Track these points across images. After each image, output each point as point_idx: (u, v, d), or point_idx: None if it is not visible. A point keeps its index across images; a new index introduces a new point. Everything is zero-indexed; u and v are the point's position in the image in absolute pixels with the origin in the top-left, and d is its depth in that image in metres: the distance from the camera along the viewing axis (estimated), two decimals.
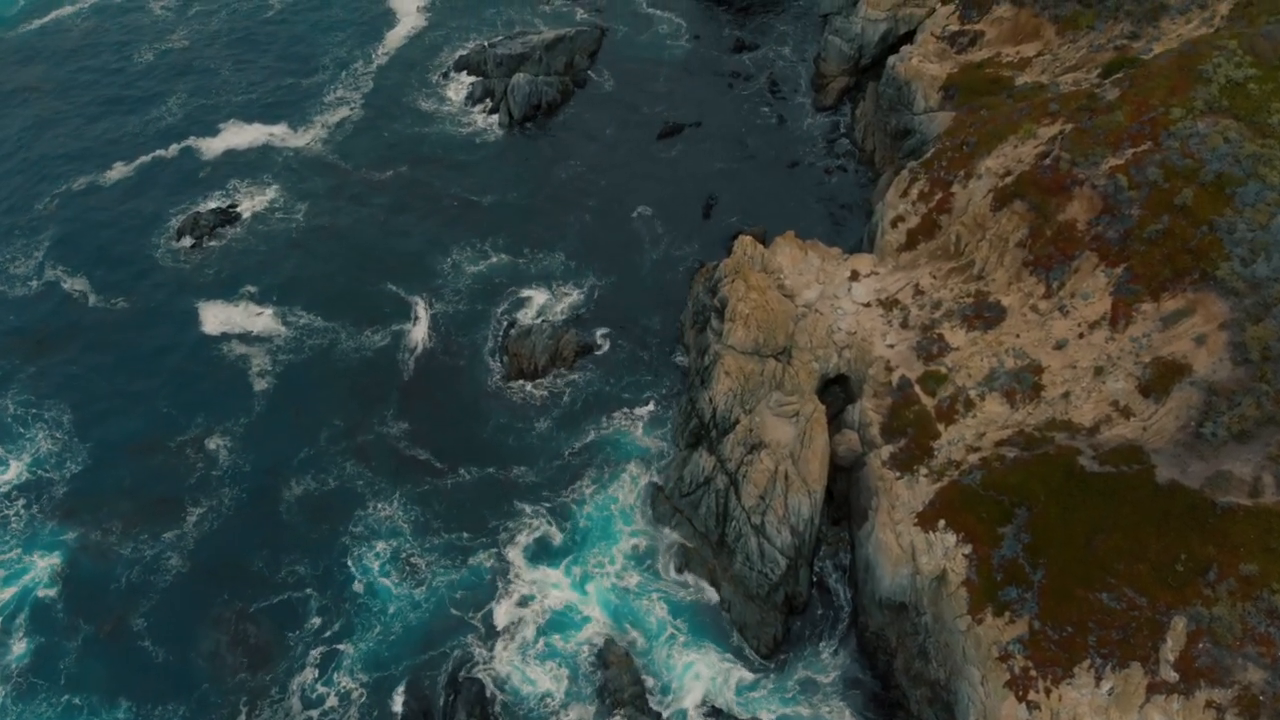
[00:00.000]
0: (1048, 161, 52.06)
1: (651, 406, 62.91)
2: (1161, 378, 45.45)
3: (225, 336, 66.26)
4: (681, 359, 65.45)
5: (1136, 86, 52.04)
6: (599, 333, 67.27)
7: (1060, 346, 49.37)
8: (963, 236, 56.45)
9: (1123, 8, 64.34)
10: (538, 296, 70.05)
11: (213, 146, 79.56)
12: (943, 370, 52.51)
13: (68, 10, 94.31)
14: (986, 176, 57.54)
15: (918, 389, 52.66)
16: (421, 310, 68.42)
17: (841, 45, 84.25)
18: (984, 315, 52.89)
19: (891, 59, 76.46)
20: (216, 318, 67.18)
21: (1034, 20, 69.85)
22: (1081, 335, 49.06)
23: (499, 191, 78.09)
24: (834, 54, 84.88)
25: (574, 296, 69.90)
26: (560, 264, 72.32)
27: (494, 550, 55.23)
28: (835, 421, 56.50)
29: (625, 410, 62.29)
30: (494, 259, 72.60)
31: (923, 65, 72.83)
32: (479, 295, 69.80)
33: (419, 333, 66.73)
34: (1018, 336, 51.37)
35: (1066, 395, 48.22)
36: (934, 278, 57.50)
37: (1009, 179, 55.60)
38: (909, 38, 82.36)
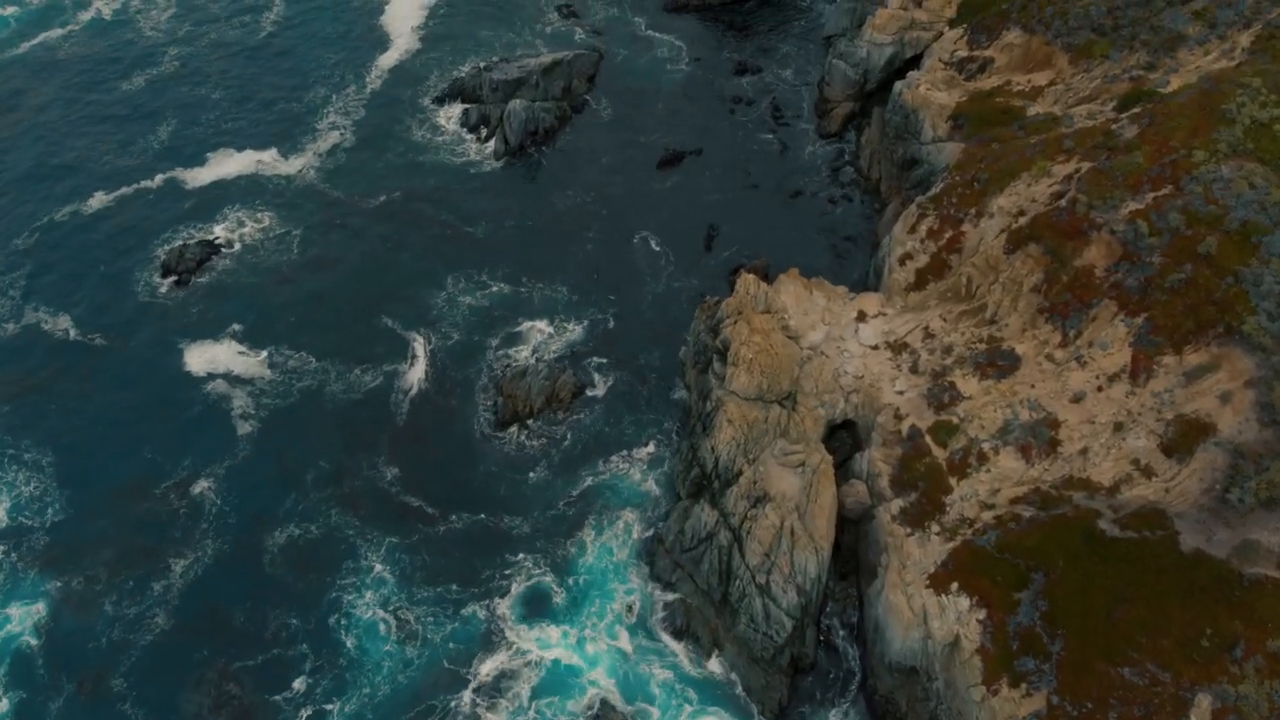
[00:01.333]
0: (1063, 203, 50.38)
1: (651, 448, 61.25)
2: (1184, 437, 43.76)
3: (210, 377, 64.51)
4: (681, 394, 63.85)
5: (1156, 125, 50.37)
6: (597, 370, 65.65)
7: (1078, 399, 47.65)
8: (974, 279, 54.77)
9: (1138, 37, 62.72)
10: (535, 330, 68.43)
11: (200, 175, 77.79)
12: (954, 420, 50.79)
13: (58, 31, 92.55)
14: (999, 215, 55.90)
15: (929, 440, 50.94)
16: (419, 348, 66.70)
17: (846, 69, 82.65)
18: (997, 363, 51.17)
19: (898, 85, 74.85)
20: (202, 357, 65.41)
21: (1046, 48, 68.21)
22: (1100, 388, 47.35)
23: (495, 221, 76.43)
24: (838, 78, 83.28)
25: (572, 330, 68.29)
26: (558, 296, 70.69)
27: (487, 604, 53.50)
28: (842, 469, 54.82)
29: (623, 452, 60.61)
30: (491, 291, 70.93)
31: (930, 93, 71.21)
32: (475, 328, 68.13)
33: (414, 373, 65.03)
34: (1033, 387, 49.66)
35: (1084, 452, 46.50)
36: (944, 320, 55.79)
37: (1022, 220, 53.98)
38: (915, 62, 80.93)
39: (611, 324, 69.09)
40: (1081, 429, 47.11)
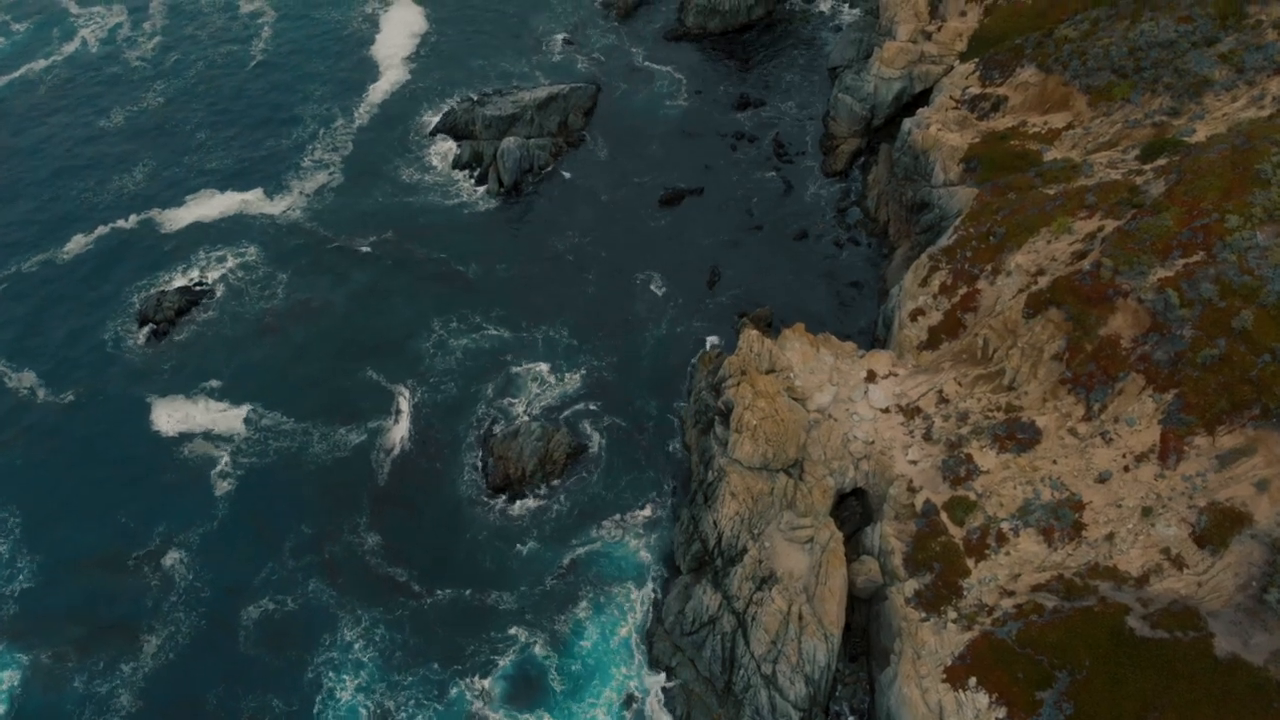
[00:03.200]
0: (1087, 266, 47.84)
1: (648, 511, 58.78)
2: (1218, 526, 41.11)
3: (187, 436, 62.02)
4: (678, 446, 61.42)
5: (1185, 184, 47.86)
6: (593, 424, 63.22)
7: (1103, 480, 45.02)
8: (991, 341, 52.21)
9: (1161, 80, 60.27)
10: (530, 378, 66.13)
11: (181, 216, 75.39)
12: (971, 497, 48.17)
13: (40, 64, 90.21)
14: (1016, 274, 53.40)
15: (944, 517, 48.32)
16: (403, 403, 64.23)
17: (852, 104, 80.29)
18: (1016, 436, 48.57)
19: (907, 123, 72.43)
20: (178, 415, 62.91)
21: (1063, 89, 65.76)
22: (1127, 468, 44.73)
23: (489, 263, 74.06)
24: (844, 113, 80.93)
25: (569, 379, 65.96)
26: (555, 341, 68.40)
27: (473, 688, 50.79)
28: (852, 540, 52.28)
29: (617, 517, 58.13)
30: (484, 337, 68.58)
31: (942, 134, 68.77)
32: (466, 378, 65.73)
33: (398, 430, 62.52)
34: (1054, 463, 47.04)
35: (1111, 537, 43.86)
36: (959, 384, 53.22)
37: (1042, 280, 51.45)
38: (925, 96, 78.58)
39: (609, 371, 66.72)
40: (1107, 512, 44.48)
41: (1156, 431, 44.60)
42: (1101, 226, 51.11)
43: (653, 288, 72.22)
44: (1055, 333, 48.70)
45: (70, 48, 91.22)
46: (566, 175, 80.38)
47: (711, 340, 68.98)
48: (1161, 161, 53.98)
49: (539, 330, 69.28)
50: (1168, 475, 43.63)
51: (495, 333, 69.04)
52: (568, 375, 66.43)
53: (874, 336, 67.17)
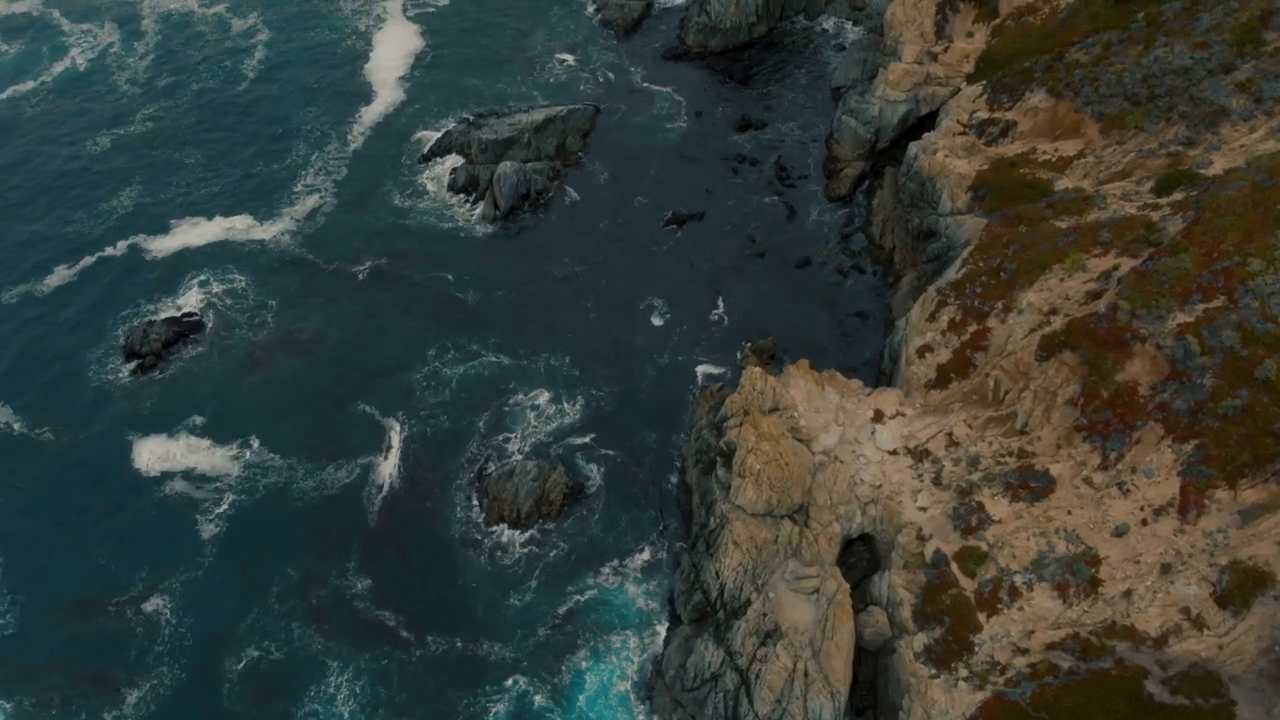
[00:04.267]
0: (1103, 309, 46.35)
1: (647, 554, 57.37)
2: (1240, 587, 39.60)
3: (169, 475, 60.53)
4: (678, 483, 60.03)
5: (1204, 223, 46.39)
6: (591, 460, 61.81)
7: (1120, 534, 43.49)
8: (1002, 383, 50.72)
9: (1176, 108, 58.81)
10: (528, 411, 64.70)
11: (168, 243, 73.78)
12: (983, 547, 46.64)
13: (29, 85, 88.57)
14: (1029, 312, 51.94)
15: (955, 568, 46.76)
16: (395, 437, 62.80)
17: (856, 127, 78.86)
18: (1029, 484, 47.05)
19: (913, 148, 70.99)
20: (159, 453, 61.39)
21: (1074, 115, 64.32)
22: (1145, 522, 43.20)
23: (485, 289, 72.64)
24: (848, 136, 79.48)
25: (567, 411, 64.66)
26: (553, 371, 67.05)
27: None
28: (859, 588, 50.73)
29: (615, 562, 56.64)
30: (480, 367, 67.21)
31: (949, 161, 67.32)
32: (461, 411, 64.33)
33: (389, 467, 61.07)
34: (1069, 514, 45.50)
35: (1128, 594, 42.33)
36: (969, 427, 51.72)
37: (1055, 321, 49.99)
38: (930, 118, 77.15)
39: (608, 401, 65.39)
40: (1125, 568, 42.95)
41: (1176, 484, 43.10)
42: (1117, 265, 49.67)
43: (653, 315, 70.83)
44: (1069, 377, 47.21)
45: (60, 67, 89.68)
46: (565, 199, 78.98)
47: (707, 370, 67.59)
48: (1178, 196, 52.53)
49: (538, 358, 67.94)
50: (1188, 530, 42.13)
51: (494, 359, 67.69)
52: (566, 406, 65.08)
53: (879, 370, 65.74)
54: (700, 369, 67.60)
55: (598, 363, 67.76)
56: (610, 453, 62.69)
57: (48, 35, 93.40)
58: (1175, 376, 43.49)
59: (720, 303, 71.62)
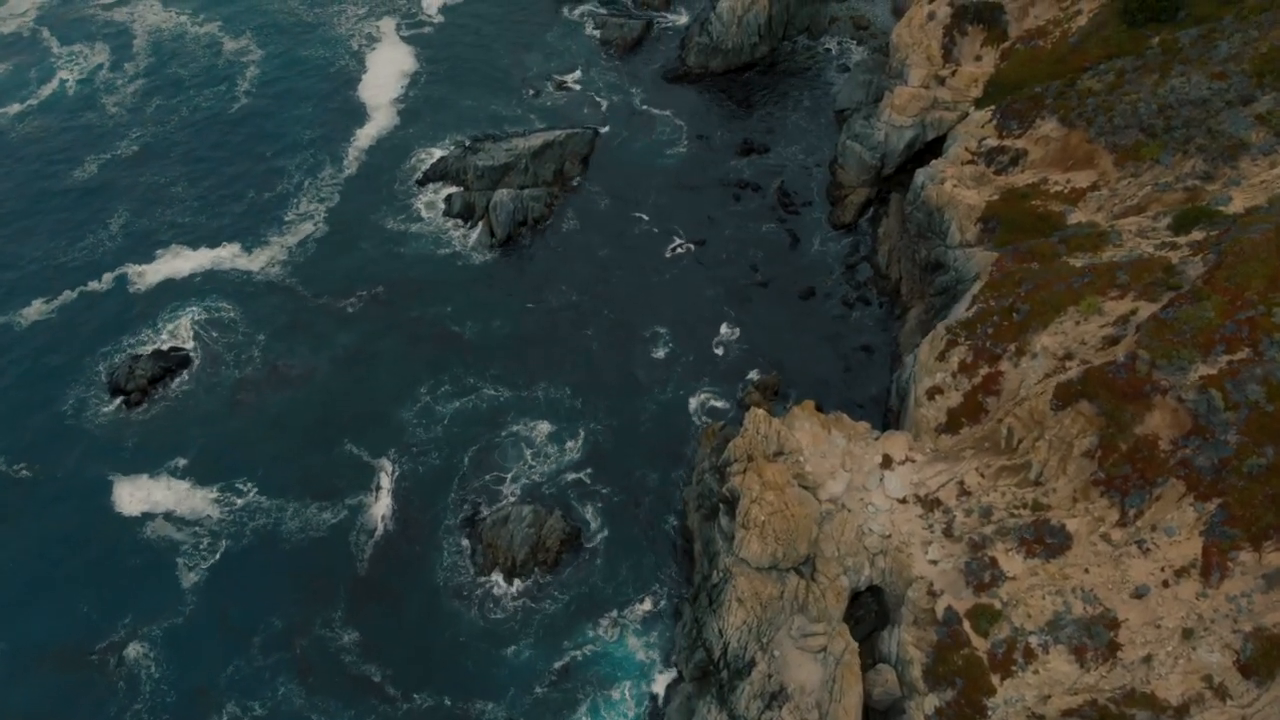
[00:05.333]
0: (1121, 358, 44.81)
1: (648, 604, 55.79)
2: (1265, 656, 38.05)
3: (150, 517, 58.99)
4: (678, 525, 58.58)
5: (1227, 268, 44.90)
6: (589, 503, 60.35)
7: (1140, 595, 41.92)
8: (1016, 431, 49.14)
9: (1193, 141, 57.35)
10: (524, 447, 63.24)
11: (152, 274, 72.15)
12: (996, 605, 45.06)
13: (15, 107, 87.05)
14: (1043, 357, 50.41)
15: (967, 626, 45.18)
16: (385, 477, 61.32)
17: (862, 153, 77.46)
18: (1045, 540, 45.47)
19: (920, 176, 69.56)
20: (140, 495, 59.86)
21: (1087, 146, 62.89)
22: (1166, 583, 41.62)
23: (481, 320, 71.20)
24: (852, 162, 78.09)
25: (566, 448, 63.31)
26: (552, 406, 65.73)
27: None
28: (867, 643, 49.12)
29: (617, 612, 55.06)
30: (480, 397, 65.85)
31: (958, 191, 65.91)
32: (455, 449, 62.83)
33: (379, 509, 59.56)
34: (1086, 572, 43.92)
35: (1148, 660, 40.74)
36: (981, 475, 50.15)
37: (1070, 365, 48.48)
38: (938, 143, 75.75)
39: (608, 437, 64.02)
40: (1145, 632, 41.36)
41: (1198, 544, 41.55)
42: (1135, 309, 48.14)
43: (655, 346, 69.44)
44: (1086, 427, 45.65)
45: (47, 90, 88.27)
46: (563, 226, 77.59)
47: (709, 403, 66.19)
48: (1197, 235, 51.05)
49: (536, 391, 66.59)
50: (1210, 594, 40.56)
51: (491, 392, 66.27)
52: (565, 441, 63.71)
53: (886, 407, 64.26)
54: (702, 402, 66.19)
55: (598, 395, 66.36)
56: (609, 492, 61.24)
57: (37, 56, 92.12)
58: (1198, 432, 41.94)
59: (722, 333, 70.20)
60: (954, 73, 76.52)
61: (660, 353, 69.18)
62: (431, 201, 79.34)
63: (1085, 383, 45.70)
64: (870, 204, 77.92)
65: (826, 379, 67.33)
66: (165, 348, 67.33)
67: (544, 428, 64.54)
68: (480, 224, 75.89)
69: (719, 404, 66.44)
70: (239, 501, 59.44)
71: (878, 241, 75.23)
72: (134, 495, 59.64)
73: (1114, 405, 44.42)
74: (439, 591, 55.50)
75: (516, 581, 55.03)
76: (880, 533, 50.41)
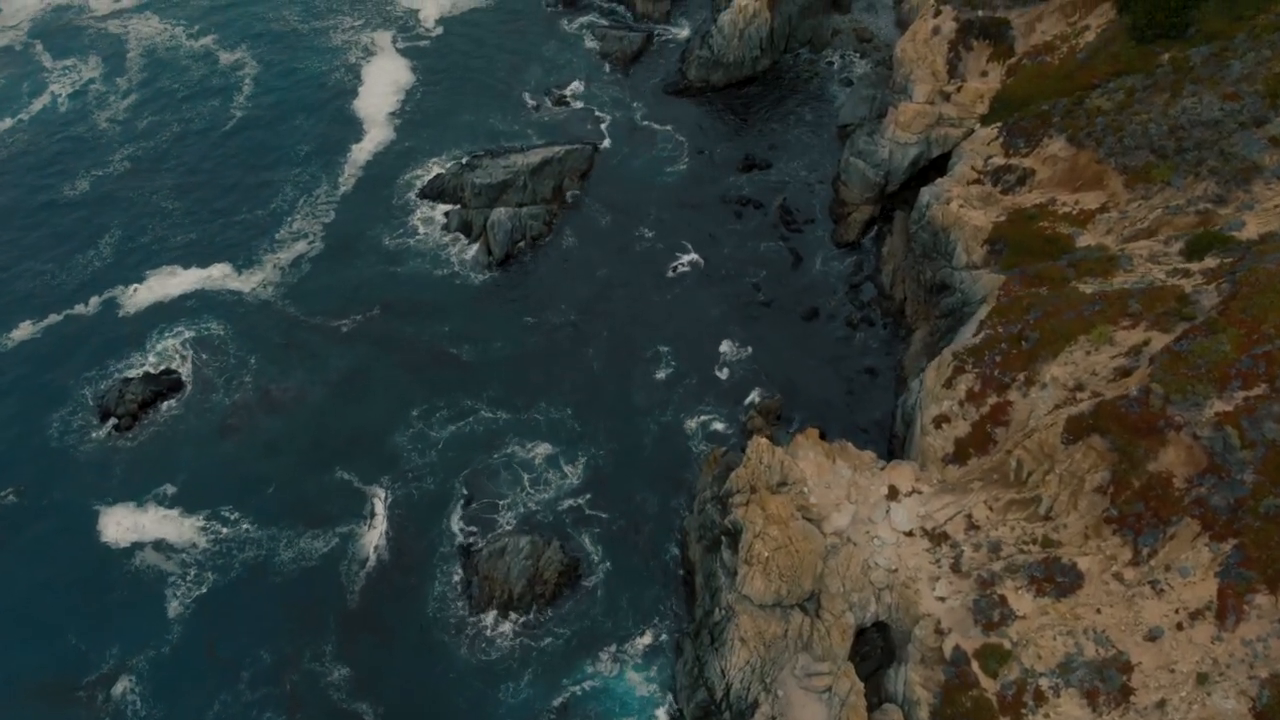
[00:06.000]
0: (1134, 392, 43.87)
1: (648, 638, 54.82)
2: None
3: (140, 546, 58.07)
4: (678, 554, 57.68)
5: (1242, 299, 43.98)
6: (588, 532, 59.43)
7: (1154, 638, 40.95)
8: (1025, 463, 48.18)
9: (1205, 163, 56.44)
10: (522, 471, 62.33)
11: (142, 295, 71.18)
12: (1006, 645, 44.08)
13: (6, 123, 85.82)
14: (1052, 387, 49.51)
15: (975, 666, 44.20)
16: (378, 505, 60.42)
17: (865, 170, 76.55)
18: (1055, 578, 44.50)
19: (925, 194, 68.66)
20: (127, 524, 58.88)
21: (1096, 166, 61.97)
22: (1180, 625, 40.65)
23: (479, 341, 70.33)
24: (856, 179, 77.17)
25: (566, 474, 62.55)
26: (549, 429, 64.94)
27: None
28: (872, 680, 48.15)
29: (616, 646, 54.06)
30: (474, 423, 64.97)
31: (964, 212, 64.99)
32: (451, 474, 61.98)
33: (372, 537, 58.64)
34: (1098, 612, 42.95)
35: (1162, 705, 39.73)
36: (990, 509, 49.20)
37: (1081, 398, 47.55)
38: (943, 160, 74.87)
39: (608, 461, 63.22)
40: (1159, 676, 40.36)
41: (1213, 585, 40.58)
42: (1147, 339, 47.22)
43: (656, 367, 68.57)
44: (1098, 462, 44.68)
45: (38, 105, 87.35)
46: (563, 244, 76.70)
47: (711, 425, 65.30)
48: (1210, 262, 50.15)
49: (535, 413, 65.81)
50: (1226, 638, 39.58)
51: (488, 415, 65.45)
52: (564, 465, 62.88)
53: (891, 432, 63.29)
54: (703, 424, 65.32)
55: (598, 416, 65.52)
56: (608, 519, 60.33)
57: (29, 70, 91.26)
58: (1213, 470, 40.99)
59: (724, 354, 69.30)
60: (959, 88, 75.70)
61: (662, 373, 68.29)
62: (428, 218, 78.49)
63: (1097, 416, 44.74)
64: (874, 222, 77.01)
65: (830, 402, 66.43)
66: (156, 370, 66.35)
67: (542, 451, 63.66)
68: (478, 243, 74.97)
69: (720, 426, 65.54)
70: (228, 531, 58.49)
71: (882, 261, 74.33)
72: (121, 523, 58.73)
73: (1127, 440, 43.46)
74: (432, 625, 54.52)
75: (513, 615, 53.96)
76: (886, 567, 49.48)
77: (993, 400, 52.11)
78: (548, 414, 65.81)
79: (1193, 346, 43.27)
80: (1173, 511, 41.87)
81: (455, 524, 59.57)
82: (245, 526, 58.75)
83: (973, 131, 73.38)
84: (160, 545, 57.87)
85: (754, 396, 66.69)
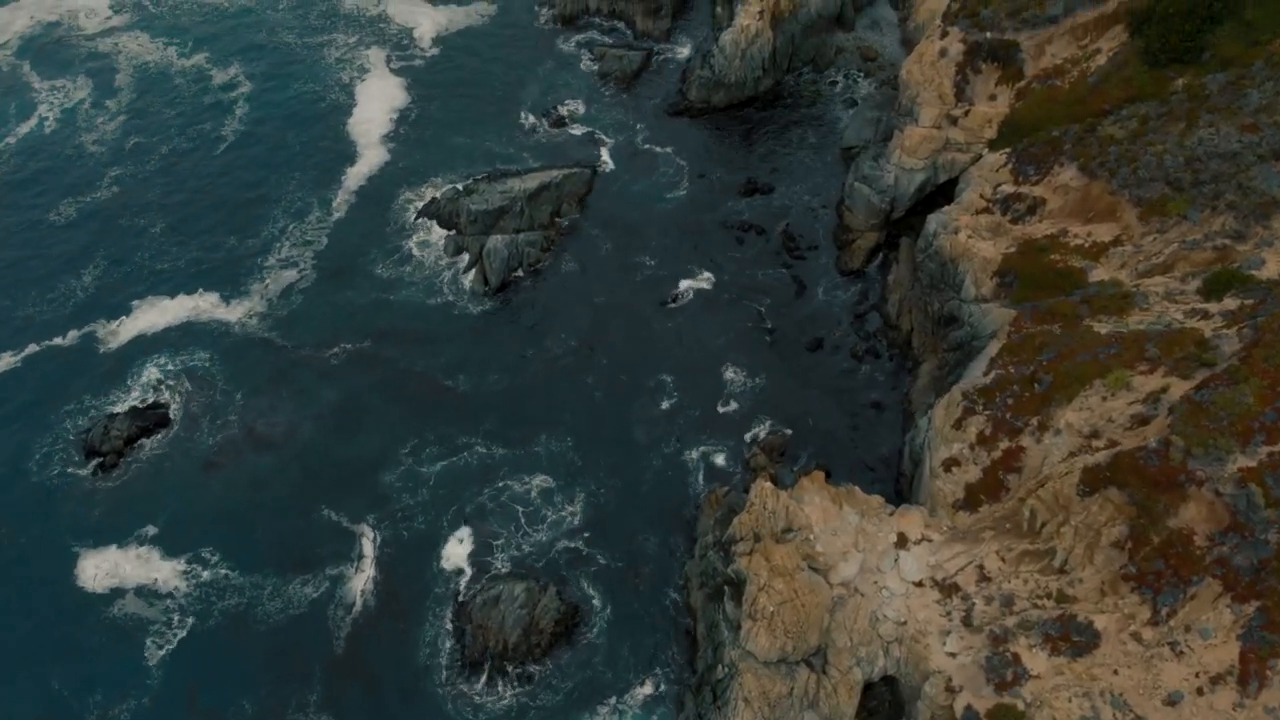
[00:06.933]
0: (1153, 444, 42.52)
1: (649, 688, 53.62)
2: None
3: (121, 591, 56.75)
4: (679, 600, 56.36)
5: (1265, 346, 42.68)
6: (585, 576, 58.17)
7: (1173, 702, 39.58)
8: (1039, 513, 46.82)
9: (1223, 196, 55.20)
10: (518, 513, 61.08)
11: (126, 327, 69.74)
12: (1019, 706, 42.65)
13: None
14: (1067, 434, 48.18)
15: None
16: (367, 545, 59.18)
17: (870, 195, 75.30)
18: (1071, 637, 43.09)
19: (932, 222, 67.44)
20: (110, 567, 57.63)
21: (1109, 197, 60.74)
22: (1201, 691, 39.30)
23: (474, 373, 69.12)
24: (860, 204, 75.90)
25: (563, 511, 61.58)
26: (548, 462, 63.94)
27: None
28: None
29: (616, 698, 52.88)
30: (468, 458, 63.96)
31: (972, 243, 63.74)
32: (443, 513, 60.90)
33: (359, 581, 57.34)
34: (1116, 674, 41.55)
35: None
36: (1002, 559, 47.80)
37: (1097, 446, 46.22)
38: (950, 185, 73.62)
39: (608, 498, 62.14)
40: None
41: (1235, 649, 39.28)
42: (1166, 386, 45.90)
43: (656, 399, 67.42)
44: (1115, 515, 43.31)
45: (26, 127, 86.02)
46: (561, 271, 75.46)
47: (713, 460, 64.07)
48: (1230, 303, 48.89)
49: (532, 448, 64.85)
50: (1248, 705, 38.30)
51: (483, 450, 64.38)
52: (562, 505, 61.68)
53: (899, 470, 62.00)
54: (705, 457, 64.17)
55: (598, 450, 64.45)
56: (607, 560, 59.13)
57: (16, 92, 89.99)
58: (1236, 529, 39.65)
59: (727, 385, 68.12)
60: (967, 112, 74.40)
61: (664, 404, 67.17)
62: (425, 241, 77.28)
63: (1115, 468, 43.38)
64: (879, 249, 75.78)
65: (835, 436, 65.14)
66: (142, 405, 65.00)
67: (539, 487, 62.52)
68: (474, 271, 73.67)
69: (723, 460, 64.34)
70: (210, 575, 57.18)
71: (887, 290, 73.02)
72: (100, 567, 57.49)
73: (1146, 495, 42.11)
74: (423, 674, 53.18)
75: (508, 666, 52.52)
76: (895, 619, 48.06)
77: (1004, 445, 50.78)
78: (547, 446, 64.63)
79: (1214, 397, 41.92)
80: (1193, 571, 40.52)
81: (448, 565, 58.26)
82: (228, 571, 57.45)
83: (981, 157, 72.18)
84: (141, 590, 56.61)
85: (758, 431, 65.44)
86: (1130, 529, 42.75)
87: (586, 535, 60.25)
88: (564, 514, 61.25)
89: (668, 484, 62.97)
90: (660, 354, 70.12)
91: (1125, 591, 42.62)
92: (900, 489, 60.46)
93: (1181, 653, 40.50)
